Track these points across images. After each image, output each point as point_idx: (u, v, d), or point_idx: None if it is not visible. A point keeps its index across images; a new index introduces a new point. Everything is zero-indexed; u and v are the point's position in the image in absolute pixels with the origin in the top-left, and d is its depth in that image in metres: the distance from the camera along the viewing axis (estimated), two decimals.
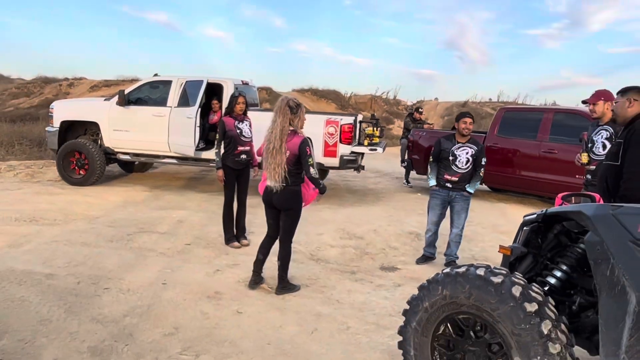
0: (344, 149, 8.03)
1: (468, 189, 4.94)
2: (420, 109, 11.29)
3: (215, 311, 3.93)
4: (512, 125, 8.40)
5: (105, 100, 9.18)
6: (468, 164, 4.91)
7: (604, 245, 1.93)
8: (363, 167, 8.81)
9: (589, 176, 4.48)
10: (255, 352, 3.30)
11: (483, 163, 4.95)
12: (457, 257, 5.16)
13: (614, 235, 1.91)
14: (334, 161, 8.06)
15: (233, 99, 5.58)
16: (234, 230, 5.72)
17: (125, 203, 7.61)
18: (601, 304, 1.95)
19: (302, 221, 5.27)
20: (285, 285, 4.36)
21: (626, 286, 1.83)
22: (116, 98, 8.66)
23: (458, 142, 4.95)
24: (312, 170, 4.12)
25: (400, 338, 2.62)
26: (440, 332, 2.47)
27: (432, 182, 5.08)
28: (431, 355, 2.48)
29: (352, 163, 8.18)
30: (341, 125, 7.99)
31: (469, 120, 4.90)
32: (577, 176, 7.12)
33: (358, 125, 8.51)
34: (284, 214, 4.30)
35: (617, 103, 3.54)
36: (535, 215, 2.56)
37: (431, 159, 5.11)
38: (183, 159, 8.59)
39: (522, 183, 8.28)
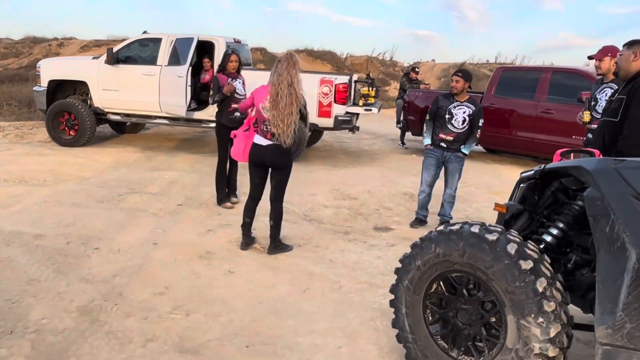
0: (338, 109, 7.86)
1: (463, 150, 4.84)
2: (416, 69, 11.04)
3: (207, 271, 3.88)
4: (510, 86, 8.22)
5: (93, 58, 8.89)
6: (464, 124, 4.78)
7: (605, 200, 1.84)
8: (358, 128, 8.66)
9: (590, 135, 4.35)
10: (246, 310, 3.26)
11: (480, 124, 4.83)
12: (451, 217, 5.11)
13: (615, 191, 1.83)
14: (328, 121, 7.91)
15: (226, 56, 5.46)
16: (226, 190, 5.64)
17: (117, 164, 7.48)
18: (599, 261, 1.88)
19: (295, 182, 5.19)
20: (277, 245, 4.30)
21: (626, 242, 1.76)
22: (105, 56, 8.38)
23: (456, 101, 4.80)
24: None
25: (392, 296, 2.57)
26: (432, 290, 2.41)
27: (427, 140, 4.96)
28: (423, 313, 2.43)
29: (347, 124, 8.02)
30: (335, 85, 7.79)
31: (455, 78, 4.77)
32: (574, 137, 7.02)
33: (353, 85, 8.31)
34: (276, 173, 4.17)
35: (621, 56, 3.38)
36: (532, 172, 2.47)
37: (427, 117, 4.98)
38: (174, 120, 8.41)
39: (518, 144, 8.18)
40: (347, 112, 7.93)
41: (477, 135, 4.86)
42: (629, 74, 3.32)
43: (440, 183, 5.20)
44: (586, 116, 4.41)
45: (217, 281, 3.71)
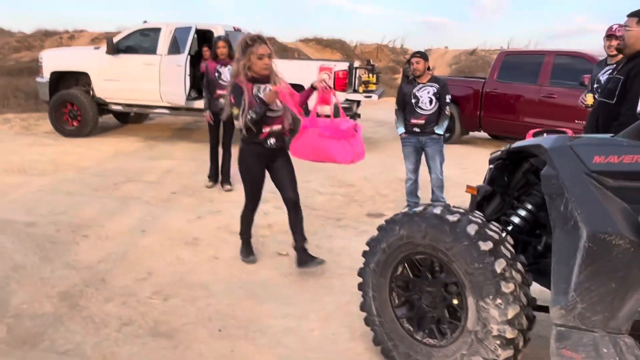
0: (337, 97, 7.80)
1: (437, 131, 4.79)
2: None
3: (191, 257, 3.90)
4: (513, 70, 8.07)
5: (95, 49, 8.97)
6: (432, 105, 4.73)
7: (559, 178, 1.79)
8: (359, 115, 8.59)
9: None
10: (224, 294, 3.27)
11: (447, 101, 4.77)
12: (445, 200, 5.05)
13: (569, 168, 1.77)
14: (328, 109, 7.86)
15: (214, 43, 5.50)
16: (217, 172, 5.74)
17: (117, 153, 7.54)
18: (554, 241, 1.83)
19: None
20: (310, 256, 3.66)
21: (578, 221, 1.71)
22: (105, 47, 8.43)
23: (419, 84, 4.76)
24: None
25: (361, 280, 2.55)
26: (398, 273, 2.38)
27: (401, 129, 4.93)
28: (389, 296, 2.41)
29: (347, 111, 7.96)
30: (335, 72, 7.72)
31: (415, 59, 4.69)
32: (576, 121, 6.87)
33: (354, 71, 8.23)
34: (284, 161, 3.60)
35: (630, 31, 3.03)
36: (499, 152, 2.41)
37: (396, 107, 4.96)
38: (175, 109, 8.44)
39: (521, 129, 8.01)
40: (347, 99, 7.87)
41: (447, 113, 4.80)
42: (633, 52, 3.05)
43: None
44: (589, 99, 4.29)
45: (200, 267, 3.73)
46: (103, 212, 4.79)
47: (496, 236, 2.07)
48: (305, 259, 3.58)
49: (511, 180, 2.51)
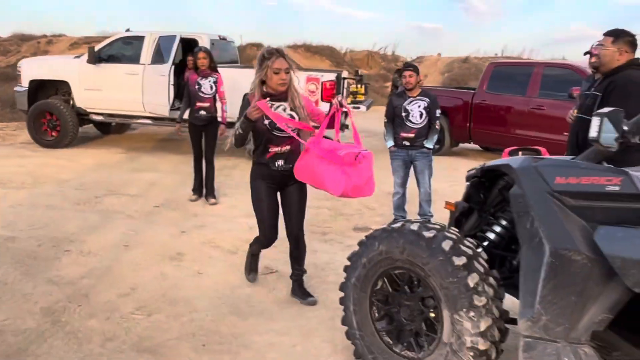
0: (325, 108, 8.01)
1: (427, 145, 5.01)
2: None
3: (175, 272, 4.04)
4: (502, 81, 8.37)
5: (75, 57, 9.12)
6: (422, 118, 4.95)
7: (525, 197, 1.99)
8: (347, 127, 8.81)
9: None
10: (208, 310, 3.43)
11: (437, 115, 5.00)
12: (432, 215, 5.25)
13: (533, 187, 1.97)
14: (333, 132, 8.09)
15: (194, 54, 5.69)
16: (201, 185, 5.94)
17: (98, 166, 7.68)
18: (522, 257, 2.03)
19: None
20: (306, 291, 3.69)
21: (542, 238, 1.90)
22: (86, 56, 8.59)
23: (409, 97, 4.98)
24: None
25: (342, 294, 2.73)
26: (378, 287, 2.57)
27: (390, 142, 5.14)
28: (369, 310, 2.59)
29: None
30: (322, 82, 7.95)
31: (408, 73, 4.91)
32: (565, 133, 7.12)
33: (342, 82, 8.46)
34: (299, 192, 3.45)
35: (605, 50, 3.30)
36: (474, 170, 2.62)
37: (385, 120, 5.17)
38: (158, 120, 8.61)
39: (511, 141, 8.29)
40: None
41: (437, 127, 5.01)
42: (609, 70, 3.30)
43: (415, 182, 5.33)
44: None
45: (184, 282, 3.87)
46: (85, 227, 4.93)
47: (470, 251, 2.27)
48: (299, 293, 3.60)
49: (488, 197, 2.71)
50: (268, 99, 3.17)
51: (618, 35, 3.30)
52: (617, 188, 1.81)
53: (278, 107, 3.23)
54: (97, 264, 4.13)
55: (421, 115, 4.95)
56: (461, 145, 9.68)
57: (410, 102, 4.97)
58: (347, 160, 2.97)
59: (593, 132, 1.79)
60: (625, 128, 1.80)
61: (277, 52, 3.18)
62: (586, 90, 4.53)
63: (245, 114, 3.09)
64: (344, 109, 3.17)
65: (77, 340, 3.04)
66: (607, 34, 3.34)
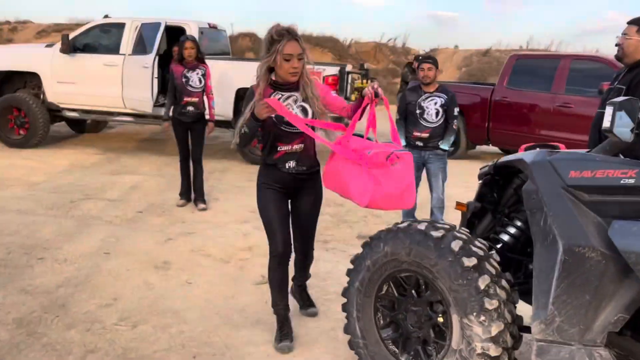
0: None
1: (442, 146, 5.10)
2: (420, 58, 11.37)
3: (161, 281, 4.21)
4: (525, 76, 8.56)
5: (47, 47, 9.32)
6: (438, 117, 5.05)
7: (539, 193, 2.16)
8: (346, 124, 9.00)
9: None
10: (199, 321, 3.59)
11: (455, 114, 5.09)
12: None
13: (547, 182, 2.14)
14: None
15: (180, 44, 5.84)
16: (189, 188, 6.10)
17: (72, 167, 7.87)
18: (535, 256, 2.20)
19: None
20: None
21: (556, 235, 2.07)
22: (59, 44, 8.78)
23: (425, 93, 5.08)
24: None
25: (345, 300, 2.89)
26: (383, 292, 2.73)
27: (402, 142, 5.27)
28: (374, 316, 2.75)
29: (337, 121, 8.36)
30: (324, 77, 8.13)
31: (427, 66, 4.99)
32: None
33: (345, 76, 8.66)
34: (313, 201, 3.36)
35: (629, 40, 3.47)
36: (487, 167, 2.79)
37: (397, 117, 5.20)
38: (140, 117, 8.79)
39: (534, 142, 8.49)
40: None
41: (454, 127, 5.11)
42: (634, 61, 3.49)
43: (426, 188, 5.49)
44: None
45: (172, 292, 4.04)
46: (60, 233, 5.10)
47: (481, 252, 2.43)
48: (300, 299, 3.72)
49: (502, 196, 2.88)
50: (278, 94, 3.04)
51: None
52: (632, 181, 1.97)
53: (288, 98, 3.06)
54: (75, 272, 4.29)
55: (437, 113, 5.04)
56: (478, 147, 9.86)
57: (426, 98, 5.06)
58: (376, 161, 2.76)
59: (606, 122, 1.96)
60: None
61: (289, 34, 2.94)
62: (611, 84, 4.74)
63: (253, 112, 2.91)
64: (379, 99, 2.88)
65: (55, 352, 3.20)
66: (631, 22, 3.52)
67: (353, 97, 8.51)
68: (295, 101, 3.08)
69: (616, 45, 4.08)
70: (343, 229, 5.77)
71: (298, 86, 3.07)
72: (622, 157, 2.16)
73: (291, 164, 3.12)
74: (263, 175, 3.22)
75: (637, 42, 3.45)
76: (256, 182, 3.26)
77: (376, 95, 2.85)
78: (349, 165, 2.82)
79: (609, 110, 1.97)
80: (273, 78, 3.07)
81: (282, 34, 2.93)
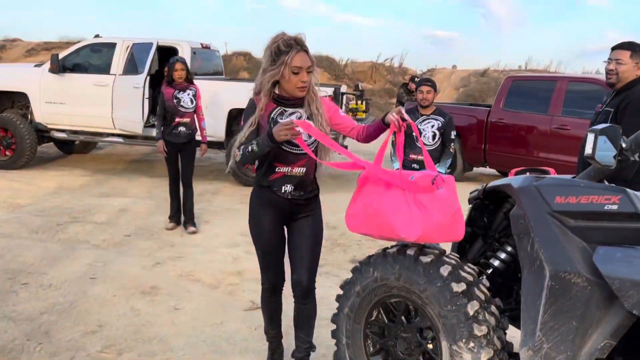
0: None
1: (439, 169, 5.18)
2: (416, 78, 11.54)
3: (148, 308, 4.23)
4: (521, 97, 8.69)
5: (36, 66, 9.43)
6: (435, 140, 5.14)
7: (526, 218, 2.22)
8: (345, 147, 9.10)
9: None
10: (186, 349, 3.61)
11: (452, 137, 5.18)
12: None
13: (534, 208, 2.21)
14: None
15: (170, 65, 5.95)
16: (179, 211, 6.15)
17: (60, 189, 7.90)
18: (523, 282, 2.25)
19: None
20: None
21: (543, 261, 2.13)
22: (48, 64, 8.89)
23: (422, 115, 5.16)
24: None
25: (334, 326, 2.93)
26: (373, 318, 2.77)
27: (397, 164, 5.33)
28: (364, 343, 2.79)
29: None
30: None
31: (426, 89, 5.08)
32: None
33: (340, 97, 8.78)
34: (312, 227, 3.08)
35: (624, 65, 3.54)
36: (477, 192, 2.86)
37: (393, 138, 5.29)
38: (130, 138, 8.87)
39: (530, 165, 8.57)
40: (331, 129, 8.35)
41: (451, 150, 5.20)
42: (623, 84, 3.58)
43: None
44: None
45: (159, 319, 4.06)
46: (45, 257, 5.12)
47: (470, 278, 2.48)
48: None
49: (492, 221, 2.94)
50: (281, 109, 2.86)
51: (635, 49, 3.57)
52: (615, 207, 2.04)
53: (291, 114, 2.87)
54: (60, 298, 4.31)
55: (434, 136, 5.12)
56: (475, 169, 9.96)
57: (423, 120, 5.14)
58: (422, 185, 2.53)
59: (588, 149, 2.04)
60: (624, 145, 2.04)
61: (298, 44, 2.72)
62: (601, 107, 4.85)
63: (270, 132, 2.67)
64: (407, 123, 2.71)
65: None
66: (620, 47, 3.61)
67: None
68: (299, 118, 2.86)
69: (608, 71, 4.11)
70: (336, 253, 5.81)
71: (303, 102, 2.89)
72: (606, 182, 2.23)
73: (288, 187, 2.89)
74: (256, 198, 3.01)
75: (632, 68, 3.54)
76: (249, 205, 3.06)
77: (403, 120, 2.67)
78: (386, 198, 2.58)
79: (590, 137, 2.04)
80: (277, 92, 2.87)
81: (291, 45, 2.72)
